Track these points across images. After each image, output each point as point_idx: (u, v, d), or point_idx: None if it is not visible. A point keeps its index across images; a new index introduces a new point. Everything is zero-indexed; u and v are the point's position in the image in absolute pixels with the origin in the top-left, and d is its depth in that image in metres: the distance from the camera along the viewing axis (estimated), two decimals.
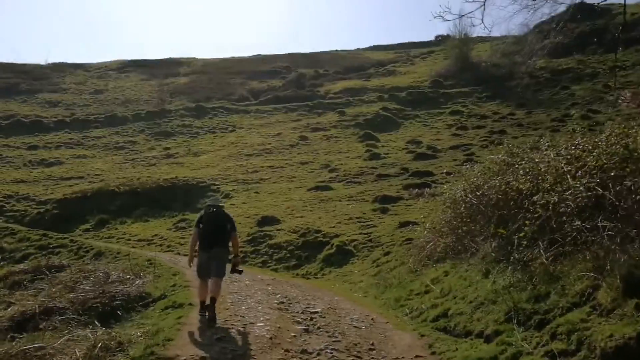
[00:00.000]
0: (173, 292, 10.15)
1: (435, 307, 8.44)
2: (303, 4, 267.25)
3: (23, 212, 26.74)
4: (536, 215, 7.42)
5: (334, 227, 19.05)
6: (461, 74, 48.32)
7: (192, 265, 8.74)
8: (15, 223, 25.23)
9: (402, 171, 26.37)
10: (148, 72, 64.84)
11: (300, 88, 51.72)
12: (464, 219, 10.07)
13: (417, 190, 22.10)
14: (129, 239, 22.27)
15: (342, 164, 29.19)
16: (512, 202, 8.57)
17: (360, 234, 17.79)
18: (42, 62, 68.54)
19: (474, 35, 53.84)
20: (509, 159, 9.84)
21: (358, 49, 79.53)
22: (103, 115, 46.61)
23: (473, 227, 9.71)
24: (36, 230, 21.41)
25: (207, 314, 8.03)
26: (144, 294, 10.24)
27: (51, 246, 19.04)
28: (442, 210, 11.57)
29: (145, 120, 44.90)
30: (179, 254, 18.48)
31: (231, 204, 24.55)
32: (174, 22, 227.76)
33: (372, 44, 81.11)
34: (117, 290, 10.23)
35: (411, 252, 12.38)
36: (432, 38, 75.31)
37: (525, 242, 7.40)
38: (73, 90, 57.87)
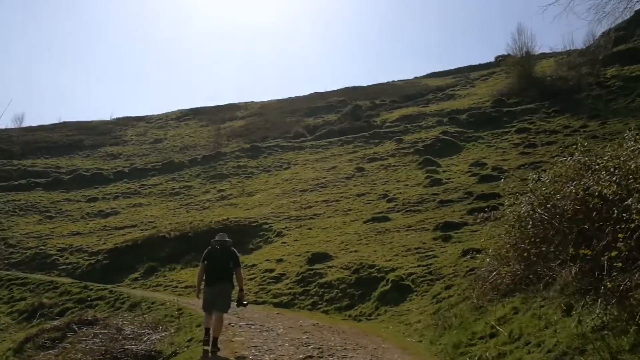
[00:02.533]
0: (185, 349, 8.52)
1: (503, 358, 6.39)
2: (356, 37, 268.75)
3: (75, 264, 26.21)
4: (632, 225, 5.36)
5: (390, 260, 17.07)
6: (525, 90, 45.32)
7: (200, 298, 9.18)
8: (67, 276, 24.68)
9: (465, 195, 24.12)
10: (207, 119, 65.19)
11: (356, 120, 50.19)
12: (534, 240, 7.96)
13: (482, 213, 19.81)
14: (176, 287, 21.01)
15: (400, 193, 27.21)
16: (594, 213, 6.51)
17: (419, 266, 15.73)
18: (107, 118, 70.52)
19: (536, 51, 51.31)
20: (585, 159, 7.74)
21: (415, 77, 77.78)
22: (160, 163, 46.59)
23: (546, 249, 7.61)
24: (78, 282, 20.50)
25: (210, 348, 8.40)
26: (153, 353, 8.69)
27: (90, 299, 17.97)
28: (505, 232, 9.45)
29: (201, 165, 44.47)
30: None
31: (282, 243, 23.09)
32: (234, 73, 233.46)
33: (429, 72, 79.19)
34: (123, 350, 8.72)
35: (474, 285, 10.30)
36: (491, 60, 72.64)
37: (619, 264, 5.34)
38: (134, 141, 58.66)
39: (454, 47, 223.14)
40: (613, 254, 5.47)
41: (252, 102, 73.99)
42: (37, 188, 42.27)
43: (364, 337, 9.99)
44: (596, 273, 5.77)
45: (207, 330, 8.63)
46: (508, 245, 9.12)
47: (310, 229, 24.13)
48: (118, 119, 69.86)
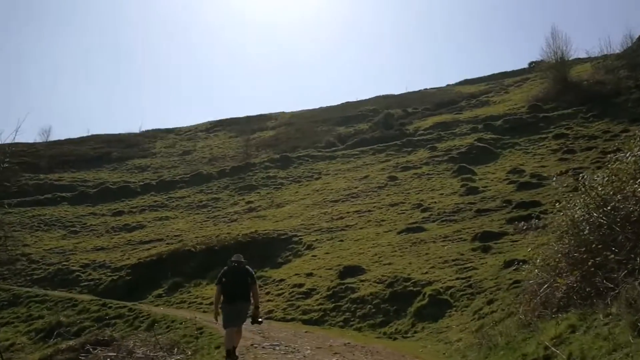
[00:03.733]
0: None
1: None
2: (387, 46, 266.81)
3: (97, 281, 25.72)
4: None
5: (426, 272, 16.10)
6: (561, 95, 43.71)
7: (218, 319, 9.26)
8: (88, 293, 24.15)
9: (504, 204, 22.95)
10: (236, 130, 64.52)
11: (388, 128, 49.12)
12: (591, 247, 6.93)
13: (523, 222, 18.64)
14: (201, 303, 20.32)
15: (435, 202, 26.12)
16: None
17: (458, 279, 14.73)
18: (136, 130, 70.02)
19: (571, 55, 49.65)
20: None
21: (448, 85, 76.43)
22: (188, 175, 45.97)
23: (608, 257, 6.59)
24: (97, 300, 19.92)
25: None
26: None
27: (108, 317, 17.33)
28: (556, 239, 8.41)
29: (229, 176, 43.68)
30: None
31: (312, 256, 22.26)
32: (264, 82, 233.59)
33: (461, 79, 77.79)
34: None
35: (520, 299, 9.27)
36: (524, 66, 70.84)
37: None
38: (162, 154, 57.92)
39: (486, 55, 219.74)
40: None
41: (282, 112, 73.33)
42: (63, 202, 41.66)
43: (400, 358, 9.06)
44: None
45: (228, 352, 8.70)
46: (559, 255, 8.10)
47: (341, 241, 23.24)
48: (147, 131, 69.30)
